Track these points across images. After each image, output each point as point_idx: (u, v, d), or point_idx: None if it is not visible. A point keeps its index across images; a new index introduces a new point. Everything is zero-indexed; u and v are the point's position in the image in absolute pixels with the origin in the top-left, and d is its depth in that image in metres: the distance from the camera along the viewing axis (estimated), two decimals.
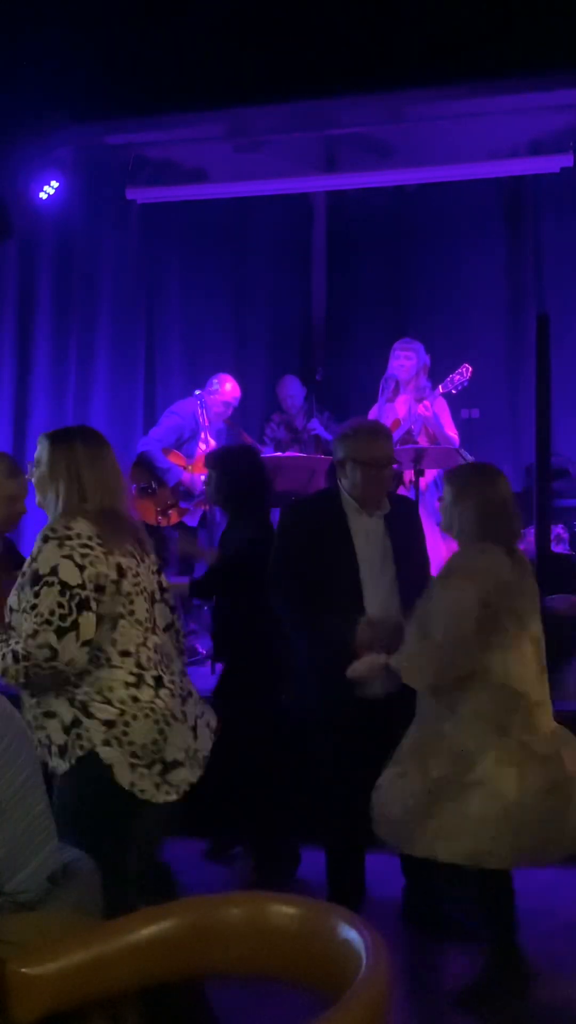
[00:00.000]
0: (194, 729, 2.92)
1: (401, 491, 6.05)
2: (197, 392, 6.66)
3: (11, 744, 2.38)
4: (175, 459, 6.47)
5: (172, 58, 5.54)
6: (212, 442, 6.48)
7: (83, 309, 7.81)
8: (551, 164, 7.04)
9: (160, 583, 3.02)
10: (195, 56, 5.52)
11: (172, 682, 2.92)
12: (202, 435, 6.44)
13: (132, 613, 2.89)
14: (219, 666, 4.61)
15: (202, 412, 6.54)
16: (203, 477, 6.33)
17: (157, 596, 2.98)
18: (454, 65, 5.39)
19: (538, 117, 6.87)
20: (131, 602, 2.88)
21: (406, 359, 6.40)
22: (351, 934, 1.83)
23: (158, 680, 2.87)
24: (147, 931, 1.95)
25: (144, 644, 2.89)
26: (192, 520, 6.41)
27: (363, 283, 8.01)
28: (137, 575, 2.92)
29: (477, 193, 7.64)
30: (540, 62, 5.33)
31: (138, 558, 2.95)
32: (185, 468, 6.44)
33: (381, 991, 1.70)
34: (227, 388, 6.58)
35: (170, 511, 6.39)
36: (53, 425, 7.59)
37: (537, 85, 5.89)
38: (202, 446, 6.41)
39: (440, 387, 6.35)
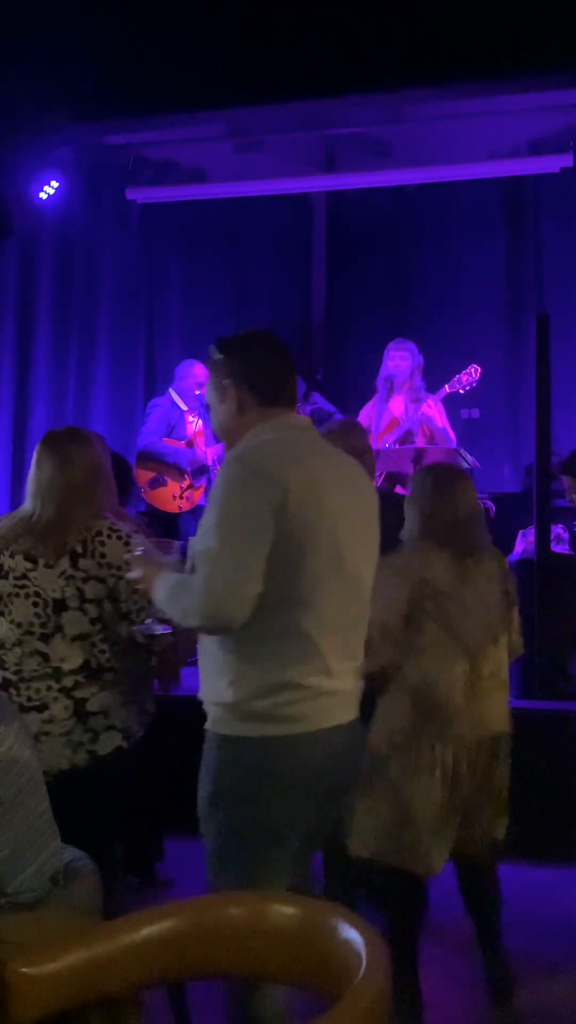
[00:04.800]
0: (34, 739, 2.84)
1: (398, 490, 6.05)
2: (169, 389, 6.77)
3: (13, 745, 2.39)
4: (174, 444, 6.58)
5: (172, 58, 5.54)
6: (199, 421, 6.59)
7: (83, 309, 7.82)
8: (551, 164, 7.05)
9: (79, 591, 2.96)
10: (195, 56, 5.51)
11: (19, 688, 2.96)
12: (187, 416, 6.56)
13: (9, 614, 2.99)
14: None
15: (180, 399, 6.66)
16: (206, 449, 6.53)
17: (71, 604, 2.97)
18: (454, 65, 5.39)
19: (538, 117, 6.88)
20: (8, 604, 2.99)
21: (401, 359, 6.40)
22: (351, 934, 1.82)
23: (4, 682, 2.97)
24: (147, 931, 1.95)
25: (14, 645, 2.98)
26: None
27: (363, 283, 8.00)
28: (23, 577, 2.97)
29: (477, 193, 7.64)
30: (540, 62, 5.32)
31: (39, 562, 2.97)
32: (188, 447, 6.58)
33: (381, 991, 1.69)
34: (196, 371, 6.67)
35: (186, 493, 6.58)
36: (53, 425, 7.65)
37: (537, 85, 5.88)
38: (191, 426, 6.58)
39: (447, 386, 6.35)
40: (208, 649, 2.41)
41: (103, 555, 2.96)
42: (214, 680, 2.39)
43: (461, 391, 6.35)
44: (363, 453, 3.89)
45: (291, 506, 2.30)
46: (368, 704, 3.40)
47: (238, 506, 2.31)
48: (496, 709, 3.21)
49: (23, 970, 1.84)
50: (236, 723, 2.35)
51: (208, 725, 2.42)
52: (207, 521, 2.34)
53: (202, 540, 2.33)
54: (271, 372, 2.49)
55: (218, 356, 2.52)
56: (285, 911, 1.96)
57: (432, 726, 3.11)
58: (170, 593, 2.40)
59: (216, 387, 2.51)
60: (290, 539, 2.30)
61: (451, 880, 3.35)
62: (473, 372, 6.31)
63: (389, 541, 3.85)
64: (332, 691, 2.39)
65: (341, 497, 2.42)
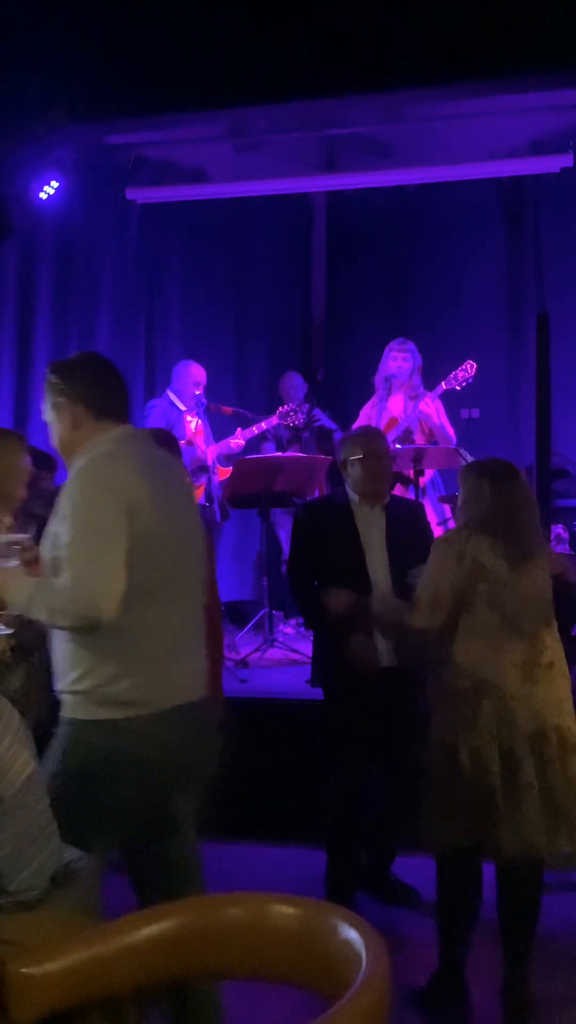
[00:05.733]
0: None
1: (399, 490, 6.05)
2: (167, 390, 6.78)
3: (12, 744, 2.38)
4: None
5: (172, 58, 5.54)
6: (197, 420, 6.59)
7: (83, 309, 7.81)
8: (551, 164, 7.05)
9: None
10: (195, 56, 5.51)
11: None
12: (185, 417, 6.56)
13: None
14: None
15: (177, 400, 6.66)
16: (205, 448, 6.51)
17: None
18: (454, 65, 5.39)
19: (538, 117, 6.87)
20: None
21: (404, 360, 6.41)
22: (351, 934, 1.82)
23: None
24: (147, 931, 1.95)
25: None
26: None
27: (363, 283, 8.00)
28: None
29: (477, 193, 7.63)
30: (540, 62, 5.32)
31: None
32: (188, 446, 6.54)
33: (381, 991, 1.69)
34: (193, 372, 6.67)
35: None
36: None
37: (537, 85, 5.88)
38: (189, 426, 6.58)
39: (443, 383, 6.35)
40: (60, 642, 2.64)
41: None
42: (67, 671, 2.62)
43: (457, 387, 6.35)
44: (381, 457, 3.96)
45: (137, 510, 2.54)
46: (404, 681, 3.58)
47: (94, 514, 2.53)
48: (555, 698, 3.21)
49: (23, 970, 1.84)
50: (88, 707, 2.57)
51: (63, 711, 2.64)
52: (62, 535, 2.53)
53: (63, 549, 2.53)
54: (101, 388, 2.75)
55: (52, 378, 2.74)
56: (285, 911, 1.96)
57: (490, 711, 3.14)
58: (32, 595, 2.58)
59: (52, 406, 2.73)
60: (139, 539, 2.53)
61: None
62: (469, 368, 6.32)
63: (395, 537, 3.88)
64: (179, 673, 2.64)
65: (173, 498, 2.69)
